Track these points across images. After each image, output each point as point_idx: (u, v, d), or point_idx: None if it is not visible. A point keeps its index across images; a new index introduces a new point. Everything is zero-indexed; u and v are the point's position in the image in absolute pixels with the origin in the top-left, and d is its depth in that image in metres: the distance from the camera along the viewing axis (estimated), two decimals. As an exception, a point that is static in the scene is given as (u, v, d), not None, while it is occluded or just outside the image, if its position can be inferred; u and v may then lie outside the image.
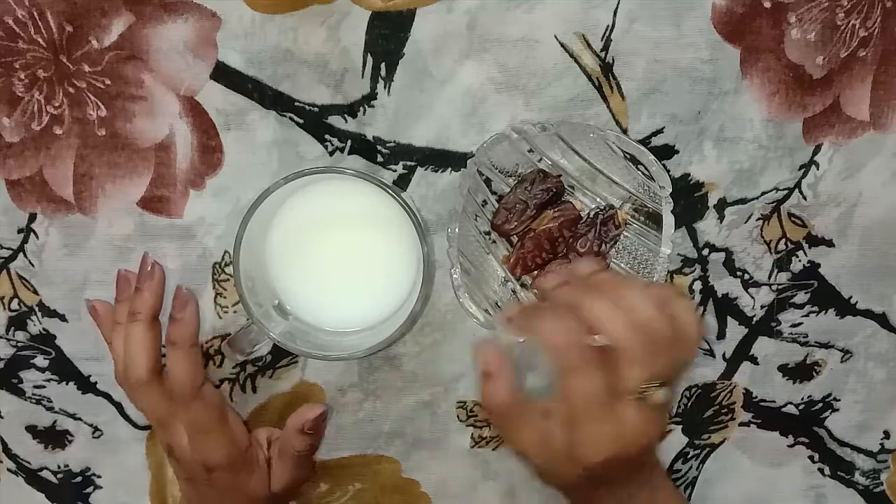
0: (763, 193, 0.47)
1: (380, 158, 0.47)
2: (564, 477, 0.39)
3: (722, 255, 0.48)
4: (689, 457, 0.51)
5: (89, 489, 0.51)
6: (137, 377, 0.43)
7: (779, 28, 0.45)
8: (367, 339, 0.44)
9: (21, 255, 0.48)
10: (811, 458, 0.52)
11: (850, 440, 0.52)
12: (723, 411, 0.51)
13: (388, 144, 0.47)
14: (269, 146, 0.46)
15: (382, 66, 0.45)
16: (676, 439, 0.51)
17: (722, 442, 0.51)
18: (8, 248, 0.48)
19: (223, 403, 0.45)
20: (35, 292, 0.48)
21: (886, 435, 0.51)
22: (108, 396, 0.50)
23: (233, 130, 0.46)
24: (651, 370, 0.35)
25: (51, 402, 0.50)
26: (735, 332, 0.50)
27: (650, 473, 0.42)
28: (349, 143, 0.47)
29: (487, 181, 0.46)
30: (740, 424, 0.51)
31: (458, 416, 0.50)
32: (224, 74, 0.45)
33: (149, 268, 0.45)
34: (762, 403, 0.51)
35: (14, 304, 0.49)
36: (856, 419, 0.51)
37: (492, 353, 0.39)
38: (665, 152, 0.47)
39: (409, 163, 0.47)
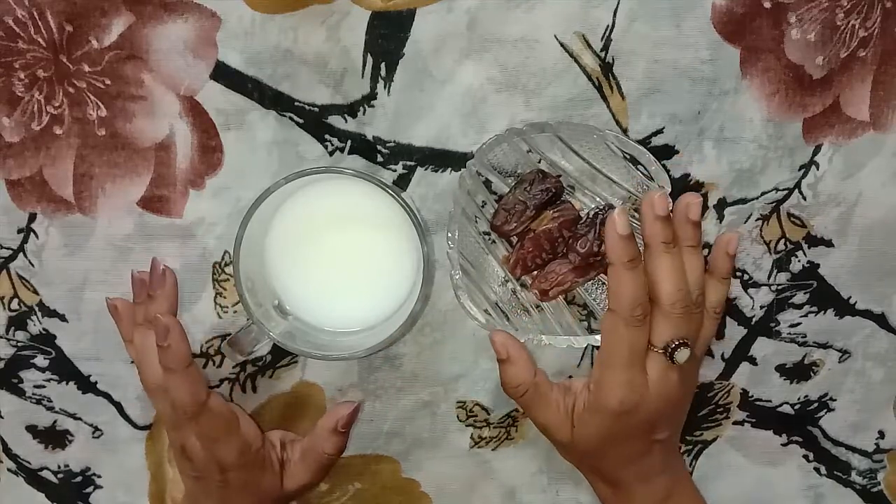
0: (763, 193, 0.48)
1: (380, 158, 0.47)
2: (585, 439, 0.43)
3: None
4: (680, 452, 0.51)
5: (89, 489, 0.51)
6: (152, 382, 0.44)
7: (779, 28, 0.45)
8: (367, 339, 0.44)
9: (21, 255, 0.48)
10: (805, 457, 0.52)
11: (844, 440, 0.52)
12: (718, 410, 0.51)
13: (388, 144, 0.47)
14: (269, 146, 0.47)
15: (382, 66, 0.45)
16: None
17: (714, 439, 0.51)
18: (8, 248, 0.48)
19: (232, 411, 0.44)
20: (35, 292, 0.48)
21: (881, 435, 0.52)
22: (108, 396, 0.50)
23: (233, 130, 0.46)
24: (680, 331, 0.41)
25: (51, 402, 0.50)
26: (734, 332, 0.50)
27: (668, 467, 0.45)
28: (349, 143, 0.47)
29: (487, 182, 0.46)
30: (734, 423, 0.51)
31: (457, 416, 0.50)
32: (224, 74, 0.45)
33: (160, 272, 0.45)
34: (757, 403, 0.51)
35: (14, 304, 0.49)
36: (851, 419, 0.51)
37: (509, 340, 0.44)
38: (665, 152, 0.47)
39: (409, 163, 0.47)
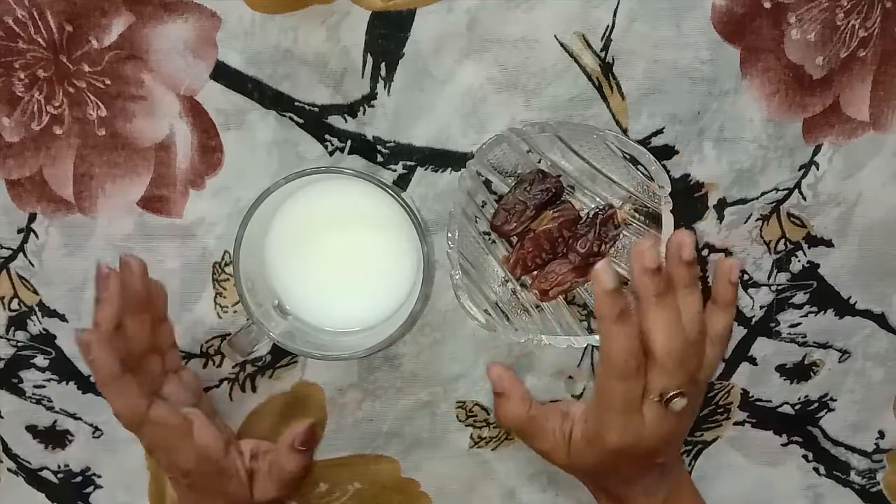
0: (763, 193, 0.48)
1: (380, 158, 0.47)
2: (583, 466, 0.43)
3: (721, 255, 0.48)
4: (680, 452, 0.51)
5: (89, 489, 0.51)
6: (100, 386, 0.42)
7: (779, 28, 0.45)
8: (367, 339, 0.44)
9: (21, 255, 0.48)
10: (805, 457, 0.52)
11: (844, 440, 0.52)
12: (719, 411, 0.51)
13: (388, 144, 0.47)
14: (269, 146, 0.47)
15: (382, 66, 0.45)
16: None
17: (714, 440, 0.51)
18: (8, 248, 0.48)
19: (181, 419, 0.43)
20: (35, 292, 0.48)
21: (881, 435, 0.52)
22: (108, 396, 0.50)
23: (233, 130, 0.46)
24: (676, 380, 0.39)
25: (51, 401, 0.50)
26: (734, 332, 0.50)
27: (669, 474, 0.44)
28: (349, 143, 0.47)
29: (487, 182, 0.46)
30: (734, 423, 0.51)
31: (457, 416, 0.50)
32: (224, 74, 0.45)
33: (104, 276, 0.41)
34: (758, 403, 0.51)
35: (14, 304, 0.49)
36: (851, 419, 0.51)
37: (504, 373, 0.44)
38: (665, 152, 0.47)
39: (409, 163, 0.47)
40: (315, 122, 0.46)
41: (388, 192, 0.41)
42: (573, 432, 0.43)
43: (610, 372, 0.39)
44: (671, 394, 0.39)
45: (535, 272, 0.46)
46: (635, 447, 0.40)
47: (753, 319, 0.50)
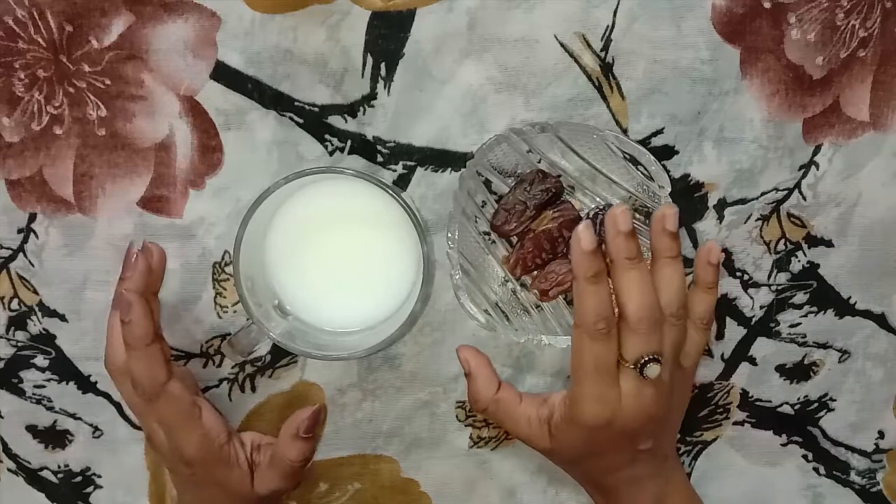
0: (763, 194, 0.48)
1: (380, 158, 0.47)
2: (565, 450, 0.43)
3: (721, 255, 0.48)
4: (679, 452, 0.51)
5: (89, 489, 0.51)
6: (112, 363, 0.43)
7: (779, 28, 0.45)
8: (367, 339, 0.44)
9: (21, 255, 0.48)
10: (805, 457, 0.52)
11: (843, 440, 0.52)
12: (718, 411, 0.51)
13: (388, 144, 0.47)
14: (269, 146, 0.47)
15: (382, 66, 0.45)
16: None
17: (714, 440, 0.51)
18: (8, 248, 0.48)
19: (193, 400, 0.43)
20: (35, 292, 0.48)
21: (881, 435, 0.52)
22: (108, 396, 0.50)
23: (233, 130, 0.46)
24: (649, 346, 0.39)
25: (51, 402, 0.50)
26: (734, 332, 0.50)
27: (661, 469, 0.44)
28: (349, 143, 0.47)
29: (487, 182, 0.46)
30: (734, 423, 0.51)
31: (456, 416, 0.50)
32: (224, 74, 0.45)
33: (132, 258, 0.42)
34: (757, 403, 0.51)
35: (14, 304, 0.49)
36: (851, 419, 0.51)
37: (471, 354, 0.44)
38: (665, 152, 0.47)
39: (409, 163, 0.47)
40: (315, 122, 0.46)
41: (388, 192, 0.41)
42: (553, 416, 0.43)
43: (581, 334, 0.39)
44: (645, 359, 0.39)
45: (535, 272, 0.46)
46: (612, 423, 0.40)
47: (753, 319, 0.50)
